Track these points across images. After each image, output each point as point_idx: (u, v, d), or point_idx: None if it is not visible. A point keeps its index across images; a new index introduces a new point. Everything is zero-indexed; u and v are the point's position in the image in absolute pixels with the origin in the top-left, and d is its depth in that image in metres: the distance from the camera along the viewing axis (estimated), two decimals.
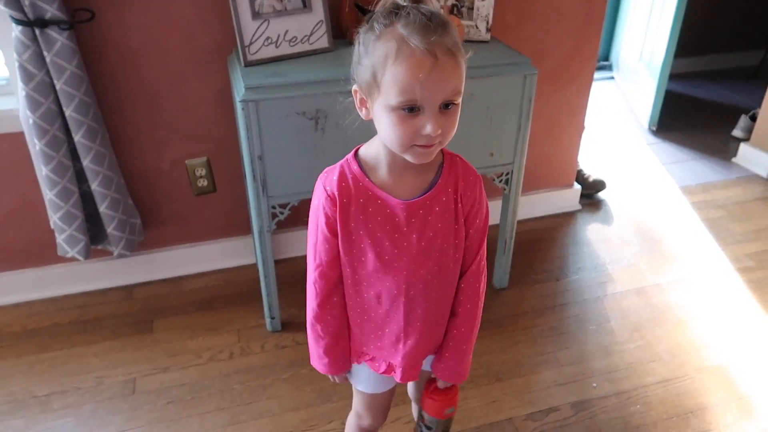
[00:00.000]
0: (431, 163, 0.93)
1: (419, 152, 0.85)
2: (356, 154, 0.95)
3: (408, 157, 0.86)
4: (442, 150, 0.94)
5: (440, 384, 1.13)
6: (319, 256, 0.97)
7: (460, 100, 0.84)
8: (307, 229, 1.02)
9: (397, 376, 1.06)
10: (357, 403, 1.23)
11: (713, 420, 1.61)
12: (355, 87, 0.89)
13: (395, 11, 0.81)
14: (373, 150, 0.93)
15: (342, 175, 0.93)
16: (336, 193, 0.92)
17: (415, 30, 0.78)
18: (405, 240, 0.94)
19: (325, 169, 0.97)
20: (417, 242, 0.94)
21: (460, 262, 1.01)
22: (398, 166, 0.91)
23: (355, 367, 1.12)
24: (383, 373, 1.08)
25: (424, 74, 0.78)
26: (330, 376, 1.12)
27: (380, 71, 0.81)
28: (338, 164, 0.95)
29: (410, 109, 0.81)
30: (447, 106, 0.82)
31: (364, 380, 1.14)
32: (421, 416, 1.19)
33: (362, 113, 0.90)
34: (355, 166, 0.93)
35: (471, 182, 0.96)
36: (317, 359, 1.09)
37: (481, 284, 1.05)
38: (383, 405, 1.21)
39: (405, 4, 0.81)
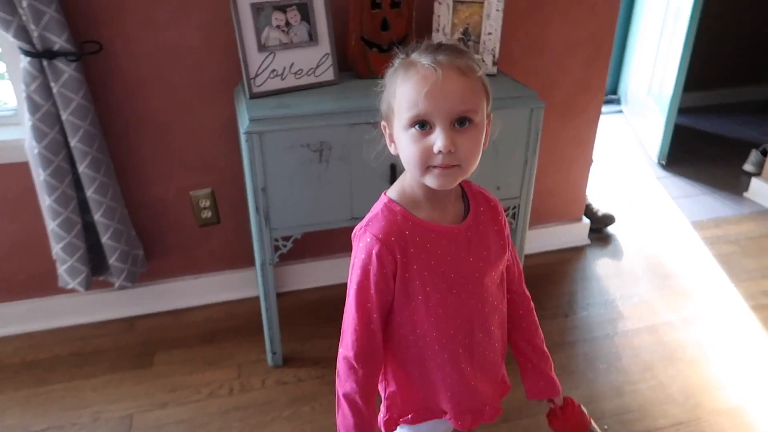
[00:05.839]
0: (458, 191, 0.93)
1: (436, 174, 0.82)
2: (388, 197, 0.91)
3: (428, 182, 0.84)
4: None
5: (557, 401, 1.07)
6: (368, 314, 0.88)
7: (478, 120, 0.82)
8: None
9: (464, 425, 0.99)
10: None
11: None
12: (382, 122, 0.90)
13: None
14: (407, 189, 0.90)
15: (389, 221, 0.87)
16: (393, 239, 0.86)
17: (423, 52, 0.82)
18: (466, 266, 0.91)
19: (361, 224, 0.90)
20: (476, 264, 0.92)
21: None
22: (439, 198, 0.89)
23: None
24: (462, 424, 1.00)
25: (429, 86, 0.79)
26: None
27: (393, 95, 0.83)
28: (376, 212, 0.89)
29: (421, 126, 0.81)
30: (462, 123, 0.81)
31: None
32: None
33: (391, 148, 0.89)
34: (397, 207, 0.88)
35: (497, 204, 0.98)
36: None
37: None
38: None
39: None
